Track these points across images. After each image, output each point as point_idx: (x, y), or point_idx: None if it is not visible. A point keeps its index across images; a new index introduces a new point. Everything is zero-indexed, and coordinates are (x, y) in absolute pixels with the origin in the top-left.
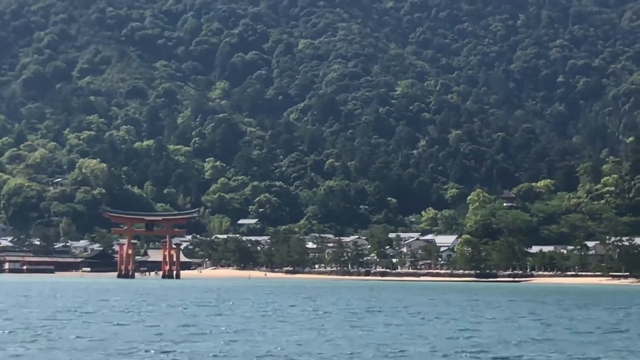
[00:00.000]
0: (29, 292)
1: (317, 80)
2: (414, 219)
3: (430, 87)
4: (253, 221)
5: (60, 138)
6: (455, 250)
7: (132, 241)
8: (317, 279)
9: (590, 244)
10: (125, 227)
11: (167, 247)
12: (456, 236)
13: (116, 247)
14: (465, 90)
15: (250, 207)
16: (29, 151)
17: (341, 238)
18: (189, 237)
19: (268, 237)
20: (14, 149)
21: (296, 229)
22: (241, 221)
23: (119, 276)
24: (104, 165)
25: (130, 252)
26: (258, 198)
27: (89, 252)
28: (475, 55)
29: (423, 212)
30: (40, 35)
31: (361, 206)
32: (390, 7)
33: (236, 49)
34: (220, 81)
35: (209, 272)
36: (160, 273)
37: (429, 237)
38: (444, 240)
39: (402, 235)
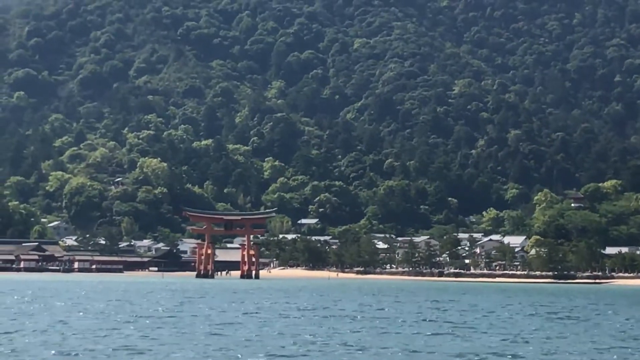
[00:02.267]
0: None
1: (373, 79)
2: (474, 220)
3: (488, 87)
4: (314, 221)
5: (119, 137)
6: (526, 250)
7: (197, 241)
8: (392, 280)
9: None
10: (205, 227)
11: (247, 246)
12: (524, 237)
13: (182, 247)
14: (522, 90)
15: (310, 206)
16: (89, 150)
17: (413, 238)
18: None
19: (329, 237)
20: (74, 148)
21: (357, 229)
22: (301, 221)
23: (198, 276)
24: (165, 164)
25: (209, 251)
26: (318, 198)
27: (153, 251)
28: (531, 54)
29: (484, 213)
30: (97, 34)
31: (421, 206)
32: (444, 6)
33: (292, 48)
34: (276, 80)
35: (278, 272)
36: (232, 273)
37: (496, 237)
38: (513, 241)
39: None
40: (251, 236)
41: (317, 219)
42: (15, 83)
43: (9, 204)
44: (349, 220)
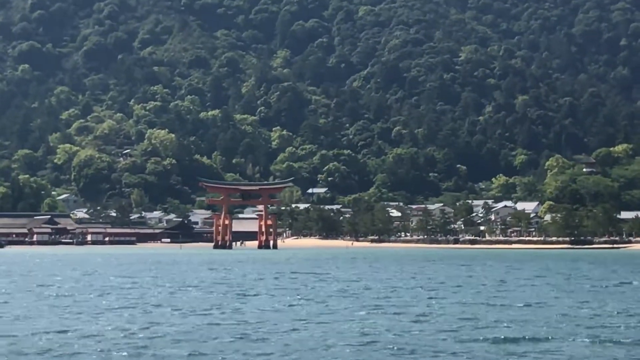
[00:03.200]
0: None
1: (379, 47)
2: (483, 186)
3: (494, 53)
4: (323, 190)
5: (126, 109)
6: (540, 216)
7: (207, 212)
8: (408, 248)
9: None
10: (222, 197)
11: (264, 217)
12: (537, 203)
13: (193, 218)
14: (528, 55)
15: (319, 176)
16: (97, 122)
17: (427, 206)
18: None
19: (340, 205)
20: (81, 120)
21: (366, 198)
22: (311, 190)
23: (216, 247)
24: (173, 135)
25: (227, 222)
26: (327, 167)
27: (164, 223)
28: (536, 19)
29: (493, 179)
30: (100, 6)
31: (430, 174)
32: None
33: (296, 17)
34: (281, 50)
35: (292, 242)
36: (246, 243)
37: (508, 203)
38: (525, 207)
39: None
40: (268, 206)
41: (327, 188)
42: (19, 56)
43: (19, 177)
44: (358, 189)
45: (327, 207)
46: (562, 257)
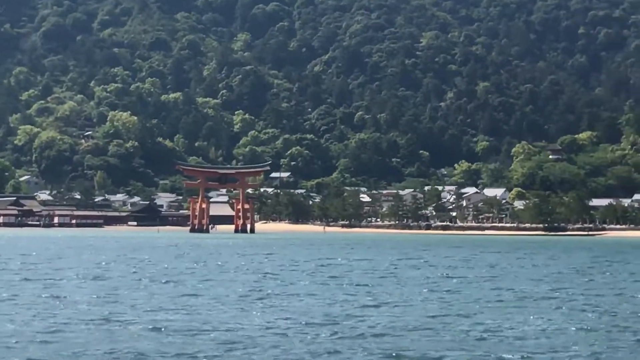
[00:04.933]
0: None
1: (340, 32)
2: (445, 172)
3: (455, 39)
4: (286, 174)
5: (87, 90)
6: (509, 202)
7: (172, 195)
8: (381, 233)
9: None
10: (199, 181)
11: (241, 200)
12: (504, 189)
13: (158, 202)
14: (487, 42)
15: (282, 160)
16: (57, 104)
17: (398, 191)
18: (223, 191)
19: (303, 190)
20: (42, 101)
21: (329, 183)
22: (273, 174)
23: (192, 230)
24: (135, 118)
25: (204, 206)
26: (290, 151)
27: (129, 205)
28: (495, 6)
29: (456, 165)
30: None
31: (393, 159)
32: None
33: (256, 0)
34: (242, 33)
35: (262, 227)
36: (217, 227)
37: (471, 190)
38: (492, 193)
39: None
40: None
41: (289, 173)
42: None
43: None
44: (322, 174)
45: (294, 191)
46: (578, 245)
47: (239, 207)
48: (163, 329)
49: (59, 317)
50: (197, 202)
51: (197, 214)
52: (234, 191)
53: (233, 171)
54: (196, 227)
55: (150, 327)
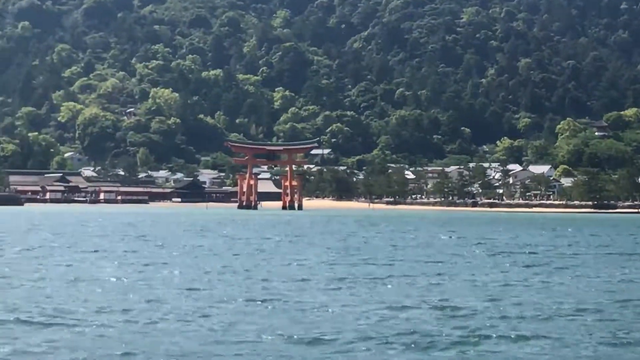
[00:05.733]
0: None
1: (379, 8)
2: (487, 149)
3: (496, 15)
4: (327, 151)
5: (128, 67)
6: (555, 179)
7: (214, 172)
8: (426, 210)
9: None
10: (247, 157)
11: (289, 177)
12: (549, 166)
13: (201, 178)
14: (528, 18)
15: (323, 137)
16: (99, 81)
17: (444, 168)
18: (264, 168)
19: (344, 167)
20: (84, 78)
21: (370, 159)
22: (314, 151)
23: (240, 207)
24: (177, 95)
25: (252, 182)
26: (330, 128)
27: (172, 182)
28: None
29: (498, 142)
30: None
31: (434, 136)
32: None
33: None
34: (281, 10)
35: (307, 203)
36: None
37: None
38: (537, 170)
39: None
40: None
41: (330, 149)
42: (19, 13)
43: (28, 135)
44: (362, 151)
45: (337, 168)
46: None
47: (286, 183)
48: None
49: None
50: (245, 178)
51: (244, 190)
52: (274, 168)
53: (281, 148)
54: (244, 203)
55: None
